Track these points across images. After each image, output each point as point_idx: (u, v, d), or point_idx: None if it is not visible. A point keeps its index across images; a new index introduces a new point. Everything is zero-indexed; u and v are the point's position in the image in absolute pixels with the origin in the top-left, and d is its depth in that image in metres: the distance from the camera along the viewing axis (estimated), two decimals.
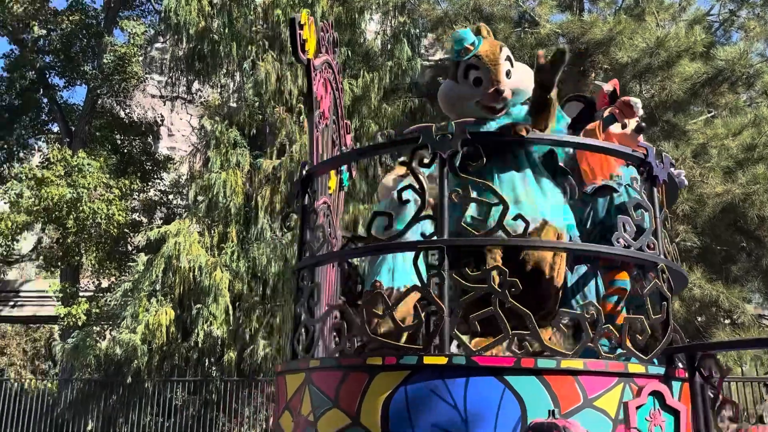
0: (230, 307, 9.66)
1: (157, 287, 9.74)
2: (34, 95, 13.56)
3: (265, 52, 10.73)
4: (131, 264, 10.74)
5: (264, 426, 9.82)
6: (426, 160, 2.35)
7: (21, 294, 17.45)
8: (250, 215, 10.59)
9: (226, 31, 10.77)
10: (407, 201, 2.48)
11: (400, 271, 2.93)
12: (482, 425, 1.95)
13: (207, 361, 9.97)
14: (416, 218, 2.32)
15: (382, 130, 10.51)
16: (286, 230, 10.25)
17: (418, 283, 2.23)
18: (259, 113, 10.87)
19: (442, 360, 2.03)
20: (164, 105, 14.84)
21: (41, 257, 13.32)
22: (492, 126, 2.60)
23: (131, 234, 12.86)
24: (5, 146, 13.51)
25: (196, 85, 13.11)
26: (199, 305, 9.47)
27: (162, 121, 15.59)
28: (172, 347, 9.68)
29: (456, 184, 2.30)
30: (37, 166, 12.85)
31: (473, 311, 2.12)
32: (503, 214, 2.22)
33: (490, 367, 2.00)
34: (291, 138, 10.51)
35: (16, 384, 10.78)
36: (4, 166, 13.85)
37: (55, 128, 14.43)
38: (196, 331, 9.37)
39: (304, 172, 2.83)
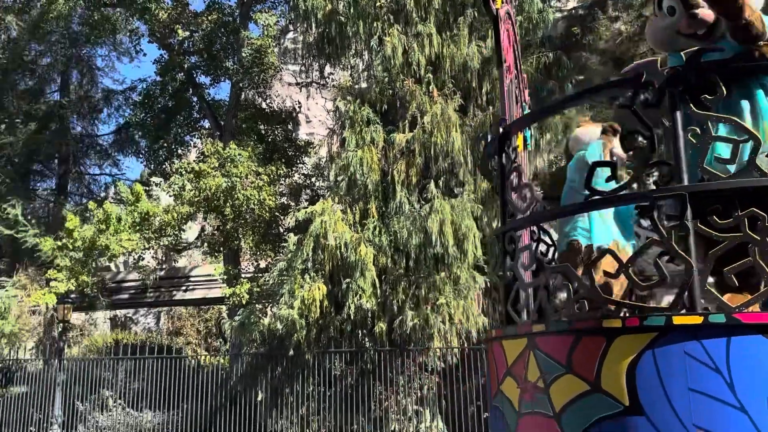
0: (377, 281, 9.92)
1: (309, 265, 10.20)
2: (185, 95, 14.80)
3: (390, 26, 10.75)
4: (283, 244, 11.35)
5: (419, 394, 10.02)
6: (651, 99, 2.07)
7: (191, 279, 19.25)
8: (387, 190, 10.75)
9: (352, 10, 10.94)
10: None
11: (598, 230, 2.78)
12: (752, 388, 1.76)
13: (360, 332, 10.33)
14: (650, 164, 2.08)
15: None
16: (423, 202, 10.29)
17: (621, 240, 2.00)
18: (389, 88, 10.95)
19: (697, 319, 1.83)
20: (300, 91, 15.46)
21: (205, 244, 14.56)
22: (714, 56, 2.27)
23: (281, 217, 13.60)
24: (165, 145, 14.91)
25: (327, 69, 13.50)
26: (348, 280, 9.82)
27: (299, 108, 16.28)
28: (327, 320, 10.15)
29: (690, 122, 2.04)
30: (194, 160, 13.99)
31: (721, 265, 1.90)
32: (755, 150, 1.94)
33: (758, 324, 1.79)
34: (421, 110, 10.48)
35: (193, 360, 11.91)
36: (166, 163, 15.22)
37: (206, 124, 15.62)
38: (347, 304, 9.74)
39: (501, 129, 2.62)
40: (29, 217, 15.69)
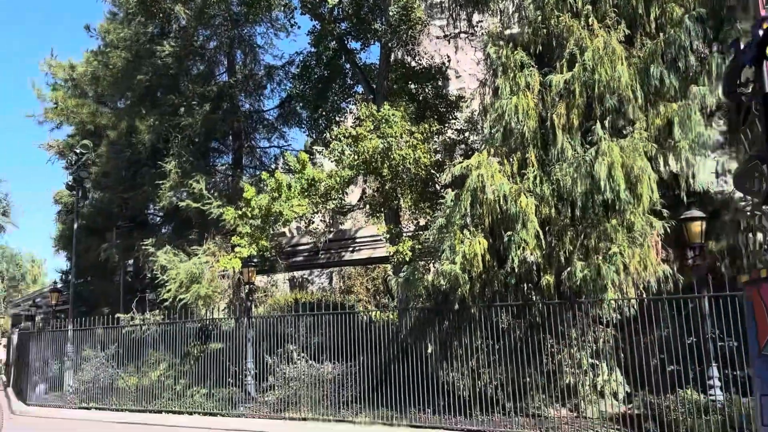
0: (540, 232, 9.55)
1: (468, 220, 10.08)
2: (338, 63, 15.22)
3: None
4: (441, 201, 11.33)
5: (594, 348, 9.60)
6: None
7: (357, 240, 20.08)
8: (546, 137, 10.23)
9: None
10: None
11: None
12: None
13: (525, 286, 10.08)
14: None
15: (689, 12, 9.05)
16: (587, 146, 9.65)
17: None
18: (542, 27, 10.31)
19: None
20: (449, 44, 15.16)
21: (367, 205, 15.03)
22: None
23: (437, 174, 13.58)
24: (323, 113, 15.51)
25: (476, 17, 13.08)
26: (509, 233, 9.56)
27: (448, 62, 16.00)
28: (490, 275, 10.01)
29: None
30: (351, 126, 14.40)
31: None
32: None
33: None
34: (581, 46, 9.75)
35: (365, 316, 12.45)
36: (326, 131, 15.84)
37: (360, 89, 15.96)
38: (509, 257, 9.51)
39: (759, 32, 2.14)
40: (212, 191, 17.27)
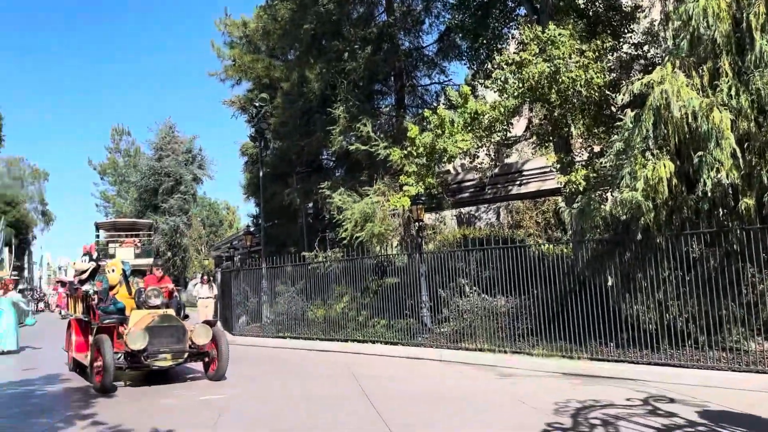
0: (737, 150, 8.49)
1: (650, 142, 9.27)
2: None
3: None
4: (618, 124, 10.52)
5: None
6: None
7: (524, 173, 19.51)
8: (742, 41, 8.94)
9: None
10: None
11: None
12: None
13: (720, 211, 9.10)
14: None
15: None
16: None
17: None
18: None
19: None
20: None
21: (534, 136, 14.43)
22: None
23: (612, 95, 12.57)
24: (484, 42, 14.95)
25: None
26: (699, 153, 8.64)
27: None
28: (678, 200, 9.18)
29: None
30: (513, 52, 13.74)
31: None
32: None
33: None
34: None
35: (536, 249, 12.16)
36: (487, 61, 15.30)
37: (522, 11, 15.09)
38: (700, 180, 8.62)
39: None
40: (378, 133, 17.70)
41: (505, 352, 11.42)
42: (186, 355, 9.81)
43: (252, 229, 26.69)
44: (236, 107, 27.98)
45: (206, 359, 10.24)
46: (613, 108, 12.72)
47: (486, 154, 15.21)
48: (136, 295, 10.49)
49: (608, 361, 9.92)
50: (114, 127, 53.23)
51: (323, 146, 20.41)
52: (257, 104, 21.84)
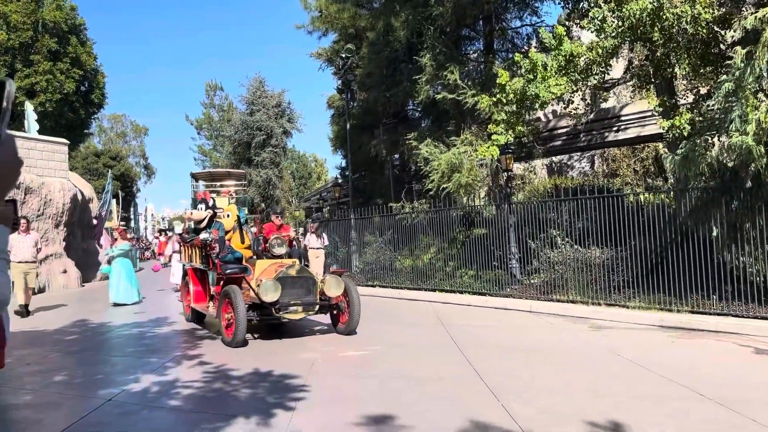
0: None
1: (763, 82, 8.53)
2: None
3: None
4: (727, 63, 9.69)
5: None
6: None
7: (622, 119, 18.54)
8: None
9: None
10: None
11: None
12: None
13: None
14: None
15: None
16: None
17: None
18: None
19: None
20: None
21: (634, 78, 13.59)
22: None
23: (721, 31, 11.56)
24: None
25: None
26: None
27: None
28: None
29: None
30: None
31: None
32: None
33: None
34: None
35: (633, 199, 11.61)
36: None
37: None
38: None
39: None
40: (465, 80, 17.26)
41: (599, 304, 11.13)
42: (317, 307, 9.18)
43: (340, 181, 27.14)
44: (323, 59, 28.12)
45: (335, 312, 9.54)
46: (721, 46, 11.70)
47: (581, 99, 14.54)
48: (253, 244, 10.28)
49: (710, 314, 9.47)
50: (208, 83, 54.99)
51: (409, 96, 20.20)
52: (343, 55, 21.83)
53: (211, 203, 10.87)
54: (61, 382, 6.67)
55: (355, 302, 9.16)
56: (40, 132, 22.33)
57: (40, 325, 10.94)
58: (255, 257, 9.97)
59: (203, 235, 10.04)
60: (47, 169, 19.56)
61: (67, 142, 22.03)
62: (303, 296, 8.99)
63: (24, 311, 12.20)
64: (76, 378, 6.86)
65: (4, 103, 1.13)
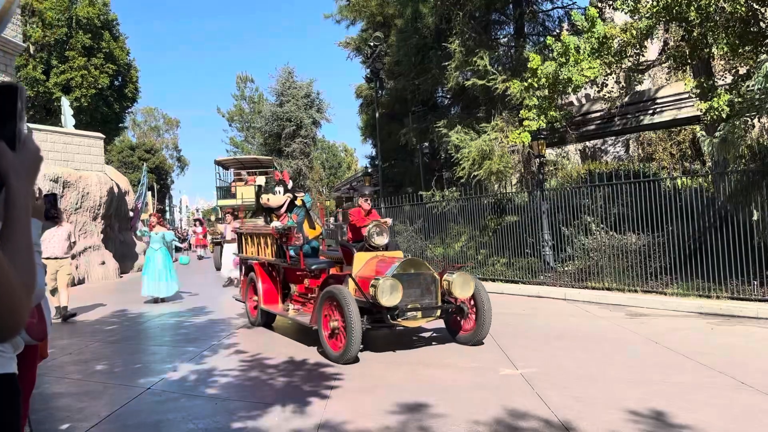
0: None
1: None
2: None
3: None
4: None
5: None
6: None
7: (657, 101, 18.10)
8: None
9: None
10: None
11: None
12: None
13: None
14: None
15: None
16: None
17: None
18: None
19: None
20: None
21: (670, 59, 13.23)
22: None
23: (761, 9, 11.16)
24: None
25: None
26: None
27: None
28: None
29: None
30: None
31: None
32: None
33: None
34: None
35: (670, 183, 11.34)
36: None
37: None
38: None
39: None
40: (496, 66, 17.06)
41: (635, 291, 10.94)
42: (438, 312, 7.46)
43: (370, 170, 27.16)
44: (351, 48, 28.09)
45: (457, 317, 7.74)
46: (762, 24, 11.30)
47: (615, 82, 14.22)
48: (338, 232, 8.77)
49: (751, 300, 9.23)
50: (239, 75, 55.53)
51: (438, 83, 20.06)
52: (371, 44, 21.77)
53: (290, 185, 9.18)
54: (102, 371, 6.85)
55: (485, 304, 7.43)
56: (76, 127, 22.83)
57: (80, 316, 11.23)
58: (345, 249, 8.20)
59: (276, 224, 8.51)
60: (84, 163, 20.01)
61: (103, 136, 22.48)
62: (422, 298, 7.25)
63: (63, 313, 10.67)
64: (116, 367, 7.03)
65: (20, 104, 1.24)
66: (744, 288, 9.46)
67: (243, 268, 10.47)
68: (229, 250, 15.28)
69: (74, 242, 11.31)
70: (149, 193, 36.76)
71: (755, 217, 9.32)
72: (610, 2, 13.92)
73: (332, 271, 8.03)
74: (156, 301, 12.93)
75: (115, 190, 21.58)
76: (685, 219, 10.42)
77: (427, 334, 8.43)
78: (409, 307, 7.05)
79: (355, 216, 8.67)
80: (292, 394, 5.58)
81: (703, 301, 9.68)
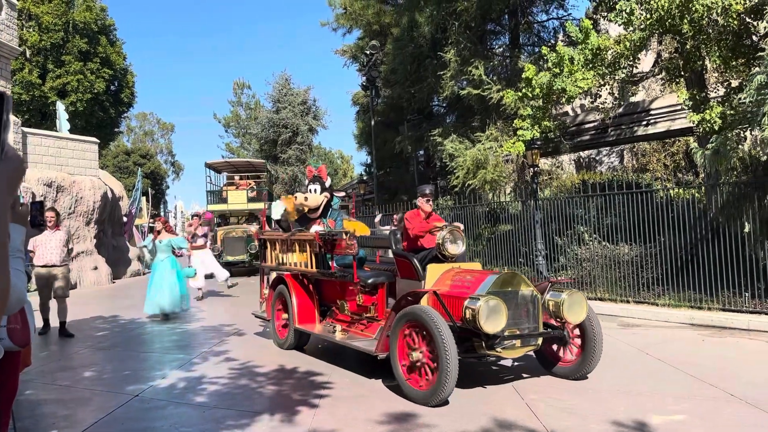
0: None
1: None
2: None
3: None
4: (760, 54, 9.44)
5: None
6: None
7: (651, 112, 18.20)
8: None
9: None
10: None
11: None
12: None
13: None
14: None
15: None
16: None
17: None
18: None
19: None
20: None
21: (663, 71, 13.32)
22: None
23: (753, 22, 11.26)
24: None
25: None
26: None
27: None
28: None
29: None
30: None
31: None
32: None
33: None
34: None
35: (663, 194, 11.38)
36: None
37: None
38: None
39: None
40: (491, 75, 17.14)
41: (628, 301, 10.96)
42: (540, 340, 5.90)
43: (365, 177, 27.19)
44: (347, 56, 28.18)
45: (555, 344, 6.30)
46: (754, 37, 11.40)
47: (609, 93, 14.29)
48: (391, 239, 7.63)
49: (742, 312, 9.25)
50: (235, 81, 55.49)
51: (434, 92, 20.13)
52: (368, 52, 21.85)
53: (328, 183, 7.95)
54: (91, 377, 6.81)
55: (596, 331, 5.96)
56: (71, 131, 22.79)
57: (70, 321, 11.15)
58: (402, 260, 6.80)
59: (317, 228, 7.45)
60: (78, 168, 19.95)
61: (97, 140, 22.43)
62: (523, 322, 5.76)
63: (60, 329, 9.59)
64: (104, 374, 6.99)
65: (5, 115, 1.23)
66: (735, 300, 9.49)
67: (266, 279, 9.23)
68: (198, 258, 15.03)
69: (71, 249, 10.23)
70: (143, 199, 36.63)
71: (747, 229, 9.36)
72: (605, 14, 14.01)
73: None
74: (166, 317, 11.30)
75: (109, 195, 21.52)
76: (678, 230, 10.46)
77: None
78: (507, 334, 5.52)
79: (412, 221, 7.21)
80: (280, 402, 5.56)
81: (694, 312, 9.70)
